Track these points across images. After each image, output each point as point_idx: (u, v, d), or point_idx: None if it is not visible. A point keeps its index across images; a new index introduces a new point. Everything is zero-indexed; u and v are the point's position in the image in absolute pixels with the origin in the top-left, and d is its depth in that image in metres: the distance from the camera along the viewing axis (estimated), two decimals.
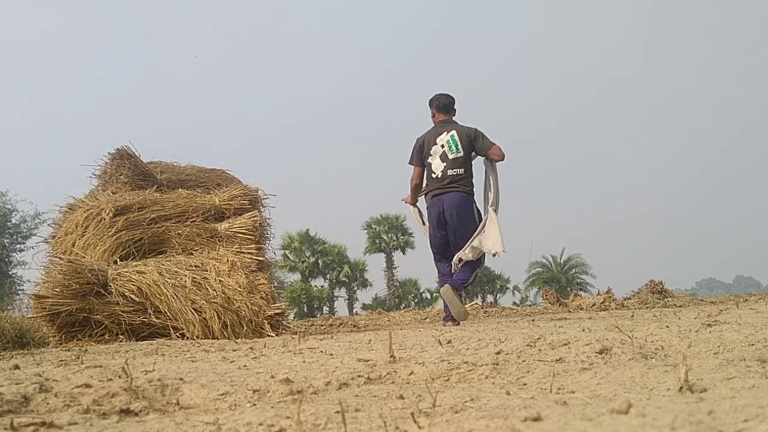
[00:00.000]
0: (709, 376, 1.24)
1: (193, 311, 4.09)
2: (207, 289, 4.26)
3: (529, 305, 17.10)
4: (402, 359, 1.65)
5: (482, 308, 9.86)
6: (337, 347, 2.24)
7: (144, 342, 3.77)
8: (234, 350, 2.58)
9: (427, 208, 4.74)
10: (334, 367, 1.55)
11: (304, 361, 1.79)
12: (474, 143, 4.56)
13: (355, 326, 6.56)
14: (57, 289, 4.02)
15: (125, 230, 4.64)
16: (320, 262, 34.87)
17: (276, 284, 5.40)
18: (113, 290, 4.13)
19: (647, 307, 7.17)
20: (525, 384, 1.34)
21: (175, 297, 4.12)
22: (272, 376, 1.39)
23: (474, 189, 4.63)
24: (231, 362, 1.89)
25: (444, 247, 4.66)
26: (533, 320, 4.68)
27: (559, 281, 34.53)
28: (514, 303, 30.85)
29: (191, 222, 4.88)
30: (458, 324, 4.43)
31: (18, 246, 20.15)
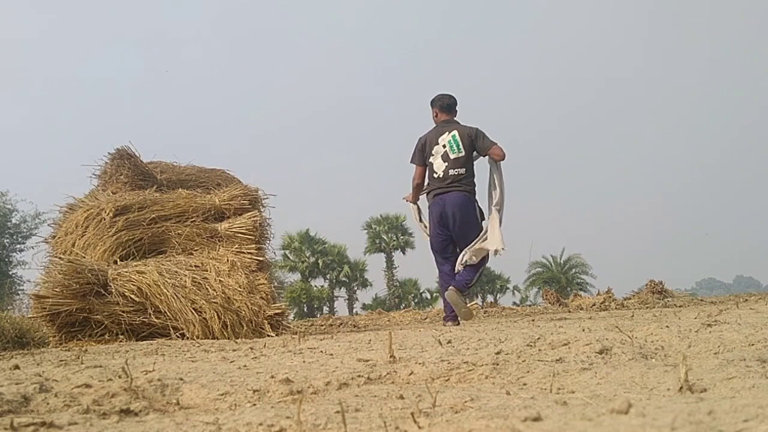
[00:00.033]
0: (709, 376, 1.24)
1: (193, 311, 4.10)
2: (207, 289, 4.26)
3: (529, 305, 17.10)
4: (402, 359, 1.65)
5: (482, 308, 9.87)
6: (337, 347, 2.24)
7: (144, 342, 3.77)
8: (234, 350, 2.58)
9: (428, 208, 4.75)
10: (334, 367, 1.55)
11: (304, 361, 1.79)
12: (475, 143, 4.57)
13: (355, 326, 6.56)
14: (57, 289, 4.02)
15: (125, 230, 4.64)
16: (320, 262, 34.87)
17: (276, 284, 5.41)
18: (113, 290, 4.13)
19: (647, 307, 7.17)
20: (525, 384, 1.34)
21: (175, 297, 4.12)
22: (272, 376, 1.39)
23: (476, 188, 4.64)
24: (231, 362, 1.89)
25: (445, 246, 4.67)
26: (533, 320, 4.68)
27: (559, 281, 34.53)
28: (514, 303, 30.86)
29: (191, 222, 4.88)
30: (458, 324, 4.44)
31: (18, 246, 20.17)
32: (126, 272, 4.23)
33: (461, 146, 4.55)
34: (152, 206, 4.87)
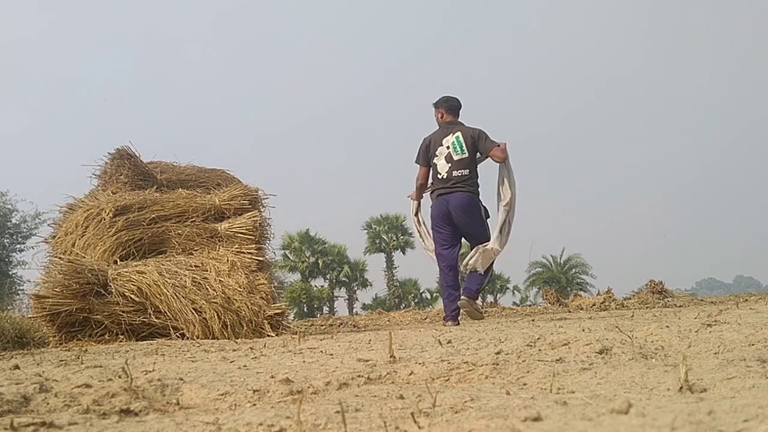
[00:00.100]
0: (709, 376, 1.24)
1: (193, 311, 4.10)
2: (207, 289, 4.26)
3: (529, 305, 17.10)
4: (402, 359, 1.65)
5: (482, 308, 9.86)
6: (337, 347, 2.24)
7: (144, 342, 3.77)
8: (234, 350, 2.58)
9: (431, 207, 4.79)
10: (334, 367, 1.55)
11: (304, 361, 1.79)
12: (477, 144, 4.61)
13: (355, 326, 6.56)
14: (57, 289, 4.02)
15: (125, 230, 4.64)
16: (320, 262, 34.87)
17: (276, 284, 5.41)
18: (113, 290, 4.13)
19: (647, 307, 7.17)
20: (525, 384, 1.34)
21: (175, 297, 4.12)
22: (272, 376, 1.39)
23: (479, 189, 4.68)
24: (231, 362, 1.89)
25: (449, 243, 4.67)
26: (533, 320, 4.68)
27: (559, 281, 34.52)
28: (514, 303, 30.84)
29: (191, 222, 4.88)
30: (458, 324, 4.46)
31: (18, 246, 20.18)
32: (126, 272, 4.23)
33: (464, 147, 4.59)
34: (152, 206, 4.87)
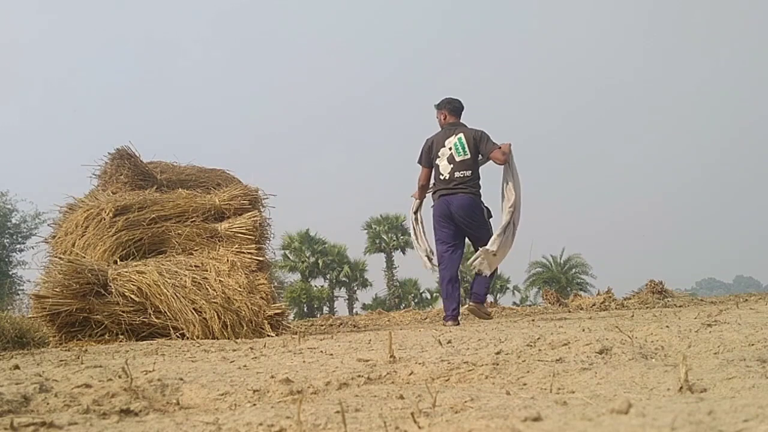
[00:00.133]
0: (709, 376, 1.24)
1: (193, 311, 4.09)
2: (207, 289, 4.26)
3: (529, 305, 17.09)
4: (402, 359, 1.65)
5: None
6: (337, 347, 2.24)
7: (144, 342, 3.77)
8: (234, 350, 2.58)
9: (432, 207, 4.80)
10: (334, 367, 1.55)
11: (304, 361, 1.79)
12: (478, 145, 4.62)
13: (355, 326, 6.56)
14: (57, 289, 4.02)
15: (125, 230, 4.64)
16: (320, 262, 34.85)
17: (276, 284, 5.40)
18: (113, 290, 4.13)
19: (647, 307, 7.16)
20: (525, 384, 1.34)
21: (175, 297, 4.12)
22: (272, 376, 1.39)
23: (481, 190, 4.72)
24: (231, 362, 1.89)
25: (451, 242, 4.67)
26: (533, 320, 4.68)
27: (559, 281, 34.51)
28: (514, 303, 30.84)
29: (191, 222, 4.88)
30: (458, 324, 4.46)
31: (18, 246, 20.17)
32: (126, 272, 4.23)
33: (467, 149, 4.61)
34: (152, 206, 4.87)
